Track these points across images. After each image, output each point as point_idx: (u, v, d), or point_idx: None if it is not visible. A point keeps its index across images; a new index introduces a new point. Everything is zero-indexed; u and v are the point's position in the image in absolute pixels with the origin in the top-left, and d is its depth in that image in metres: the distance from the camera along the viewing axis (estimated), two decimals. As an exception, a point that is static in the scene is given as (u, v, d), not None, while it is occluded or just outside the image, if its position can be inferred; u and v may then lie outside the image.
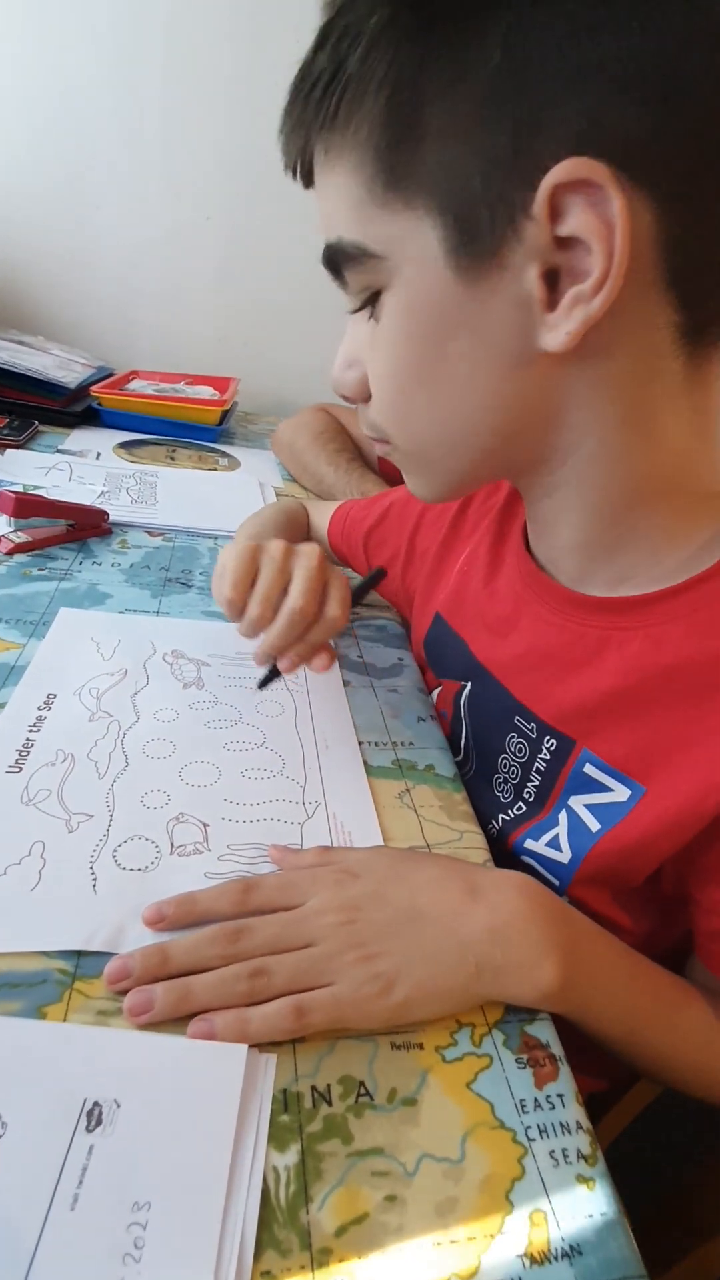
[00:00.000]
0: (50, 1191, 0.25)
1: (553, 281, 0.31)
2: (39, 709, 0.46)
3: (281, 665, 0.48)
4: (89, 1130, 0.27)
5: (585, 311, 0.30)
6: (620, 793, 0.40)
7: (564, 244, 0.30)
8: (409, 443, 0.40)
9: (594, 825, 0.41)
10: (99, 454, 0.95)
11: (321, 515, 0.72)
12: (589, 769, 0.42)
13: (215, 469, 0.99)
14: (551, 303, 0.31)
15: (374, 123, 0.31)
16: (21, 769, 0.41)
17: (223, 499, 0.87)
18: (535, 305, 0.31)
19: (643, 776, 0.40)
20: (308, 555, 0.48)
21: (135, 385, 1.16)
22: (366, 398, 0.40)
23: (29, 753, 0.42)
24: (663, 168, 0.28)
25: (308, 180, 0.36)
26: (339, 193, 0.34)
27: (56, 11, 1.15)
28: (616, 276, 0.29)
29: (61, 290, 1.33)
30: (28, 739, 0.43)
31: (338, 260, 0.36)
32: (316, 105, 0.33)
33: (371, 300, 0.36)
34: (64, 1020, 0.30)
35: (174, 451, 1.03)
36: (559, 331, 0.31)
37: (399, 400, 0.38)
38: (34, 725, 0.44)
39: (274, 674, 0.49)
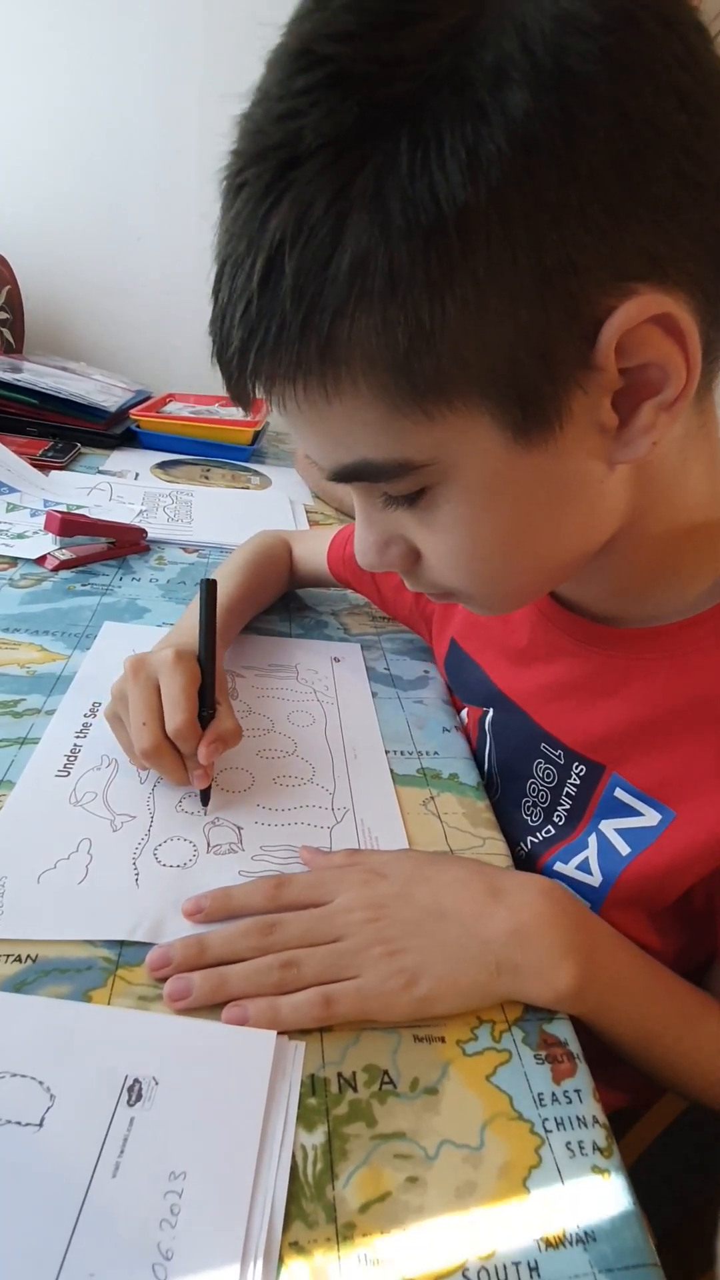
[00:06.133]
0: (94, 1159, 0.27)
1: (620, 400, 0.30)
2: (85, 716, 0.48)
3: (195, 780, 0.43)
4: (130, 1104, 0.29)
5: (670, 416, 0.30)
6: (651, 817, 0.41)
7: (631, 370, 0.29)
8: (494, 597, 0.39)
9: (623, 849, 0.42)
10: (137, 474, 0.99)
11: (317, 542, 0.69)
12: (619, 793, 0.42)
13: (247, 487, 1.03)
14: (624, 419, 0.30)
15: (380, 345, 0.27)
16: (70, 773, 0.44)
17: (255, 516, 0.90)
18: (609, 430, 0.30)
19: (674, 801, 0.40)
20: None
21: (172, 408, 1.20)
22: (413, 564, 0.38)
23: (76, 758, 0.45)
24: (695, 252, 0.28)
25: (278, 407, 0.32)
26: (349, 418, 0.30)
27: (100, 61, 1.22)
28: (693, 375, 0.29)
29: (103, 318, 1.40)
30: (75, 745, 0.46)
31: (365, 477, 0.33)
32: (287, 355, 0.28)
33: (413, 494, 0.33)
34: (108, 1004, 0.32)
35: (208, 471, 1.07)
36: (641, 444, 0.30)
37: (485, 569, 0.36)
38: (80, 732, 0.47)
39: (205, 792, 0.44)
